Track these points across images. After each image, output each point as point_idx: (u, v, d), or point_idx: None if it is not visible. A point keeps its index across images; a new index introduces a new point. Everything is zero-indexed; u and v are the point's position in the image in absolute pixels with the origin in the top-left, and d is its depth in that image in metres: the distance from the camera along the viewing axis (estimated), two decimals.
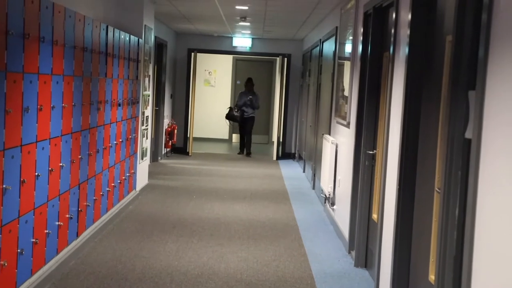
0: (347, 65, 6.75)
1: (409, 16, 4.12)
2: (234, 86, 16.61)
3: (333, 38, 8.12)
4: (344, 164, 6.67)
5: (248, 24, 10.95)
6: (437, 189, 3.58)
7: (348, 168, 6.32)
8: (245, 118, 13.64)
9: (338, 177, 7.14)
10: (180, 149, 13.66)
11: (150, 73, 9.10)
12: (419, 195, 4.06)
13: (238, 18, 10.14)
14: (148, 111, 9.03)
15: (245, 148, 13.76)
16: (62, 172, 4.95)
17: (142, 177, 8.66)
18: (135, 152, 7.96)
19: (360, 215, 5.64)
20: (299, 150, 12.82)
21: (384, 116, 4.89)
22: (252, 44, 13.99)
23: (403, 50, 4.29)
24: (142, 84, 8.27)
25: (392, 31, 4.62)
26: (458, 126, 2.98)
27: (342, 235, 6.45)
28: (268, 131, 16.61)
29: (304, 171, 11.54)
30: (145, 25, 8.36)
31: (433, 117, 3.79)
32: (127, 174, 7.51)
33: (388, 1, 4.95)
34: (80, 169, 5.47)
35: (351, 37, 6.57)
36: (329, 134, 7.97)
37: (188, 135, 13.71)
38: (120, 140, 7.00)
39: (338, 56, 7.61)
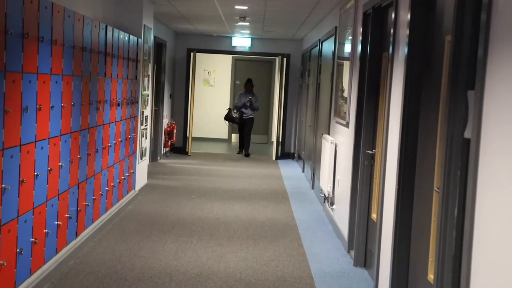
0: (346, 65, 6.75)
1: (408, 16, 4.12)
2: (234, 86, 16.62)
3: (333, 38, 8.12)
4: (344, 164, 6.68)
5: (247, 24, 10.95)
6: (436, 188, 3.58)
7: (347, 168, 6.32)
8: (244, 119, 13.64)
9: (337, 177, 7.14)
10: (180, 149, 13.66)
11: (150, 73, 9.10)
12: (418, 195, 4.06)
13: (238, 18, 10.14)
14: (147, 111, 9.03)
15: (244, 149, 13.76)
16: (61, 171, 4.95)
17: (141, 177, 8.65)
18: (134, 152, 7.96)
19: (359, 215, 5.64)
20: (299, 150, 12.82)
21: (383, 116, 4.89)
22: (251, 44, 13.99)
23: (403, 50, 4.30)
24: (141, 84, 8.27)
25: (392, 31, 4.62)
26: (457, 125, 2.98)
27: (341, 235, 6.45)
28: (267, 131, 16.62)
29: (303, 171, 11.54)
30: (144, 25, 8.36)
31: (432, 117, 3.80)
32: (126, 174, 7.51)
33: (388, 1, 4.95)
34: (79, 169, 5.47)
35: (350, 37, 6.58)
36: (329, 134, 7.97)
37: (188, 135, 13.72)
38: (119, 140, 7.00)
39: (338, 56, 7.61)
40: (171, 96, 13.47)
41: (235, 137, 16.08)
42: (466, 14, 2.94)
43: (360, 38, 5.85)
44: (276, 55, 13.90)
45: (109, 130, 6.52)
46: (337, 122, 7.26)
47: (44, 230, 4.62)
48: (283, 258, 5.77)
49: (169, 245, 6.00)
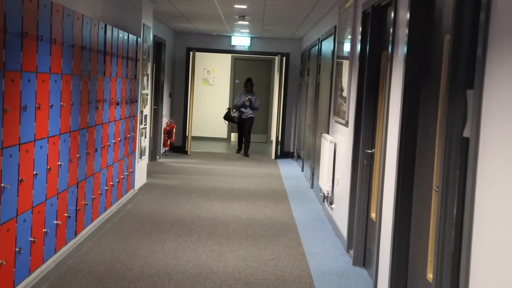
0: (345, 64, 6.75)
1: (408, 15, 4.12)
2: (233, 85, 16.62)
3: (332, 37, 8.12)
4: (343, 163, 6.68)
5: (246, 23, 10.95)
6: (435, 187, 3.58)
7: (346, 167, 6.33)
8: (243, 119, 13.63)
9: (336, 176, 7.14)
10: (179, 148, 13.66)
11: (149, 72, 9.10)
12: (417, 194, 4.06)
13: (237, 17, 10.13)
14: (147, 110, 9.03)
15: (243, 148, 13.75)
16: (60, 171, 4.95)
17: (140, 176, 8.65)
18: (133, 151, 7.96)
19: (358, 214, 5.64)
20: (298, 149, 12.82)
21: (382, 115, 4.90)
22: (250, 43, 13.99)
23: (402, 49, 4.30)
24: (140, 83, 8.26)
25: (391, 30, 4.62)
26: (456, 125, 2.98)
27: (340, 234, 6.45)
28: (266, 130, 16.61)
29: (302, 170, 11.54)
30: (143, 24, 8.36)
31: (432, 116, 3.80)
32: (126, 173, 7.51)
33: (387, 0, 4.95)
34: (79, 168, 5.47)
35: (349, 36, 6.58)
36: (328, 133, 7.97)
37: (187, 134, 13.71)
38: (119, 139, 6.99)
39: (337, 55, 7.61)
40: (170, 95, 13.47)
41: (234, 137, 16.09)
42: (465, 14, 2.94)
43: (360, 37, 5.85)
44: (276, 54, 13.90)
45: (108, 129, 6.52)
46: (336, 121, 7.26)
47: (43, 229, 4.62)
48: (282, 257, 5.77)
49: (168, 244, 6.00)
